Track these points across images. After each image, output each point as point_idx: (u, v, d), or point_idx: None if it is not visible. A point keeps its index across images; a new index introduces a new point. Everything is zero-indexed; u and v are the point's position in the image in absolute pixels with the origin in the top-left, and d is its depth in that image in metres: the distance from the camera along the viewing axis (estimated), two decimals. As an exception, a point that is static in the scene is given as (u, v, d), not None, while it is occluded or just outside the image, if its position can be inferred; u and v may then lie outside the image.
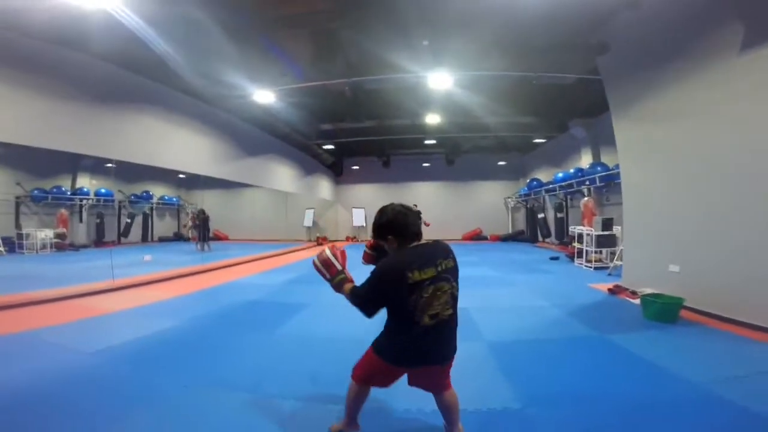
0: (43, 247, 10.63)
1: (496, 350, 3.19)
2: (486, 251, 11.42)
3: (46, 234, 10.80)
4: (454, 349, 1.79)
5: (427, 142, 12.95)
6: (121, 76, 5.90)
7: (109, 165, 12.71)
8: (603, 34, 5.21)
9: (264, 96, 6.95)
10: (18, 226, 10.75)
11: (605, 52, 5.39)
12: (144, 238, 15.07)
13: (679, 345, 3.18)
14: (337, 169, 16.48)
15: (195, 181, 16.83)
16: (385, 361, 1.77)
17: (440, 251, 1.77)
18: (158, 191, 15.69)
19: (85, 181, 12.56)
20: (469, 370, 2.81)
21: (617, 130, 5.49)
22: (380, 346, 1.81)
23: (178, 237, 16.15)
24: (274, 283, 6.66)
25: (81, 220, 12.42)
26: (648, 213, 4.95)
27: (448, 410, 1.92)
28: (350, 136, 11.59)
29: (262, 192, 16.10)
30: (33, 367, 2.82)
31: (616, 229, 7.01)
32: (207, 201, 16.59)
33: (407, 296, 1.64)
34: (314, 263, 1.94)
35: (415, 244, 1.76)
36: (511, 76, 6.55)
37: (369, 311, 1.75)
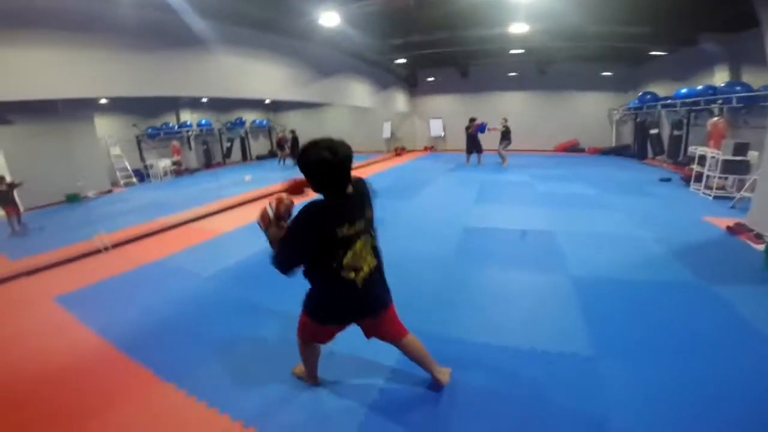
0: (165, 174, 12.58)
1: (580, 287, 3.08)
2: (582, 165, 10.37)
3: (166, 163, 12.68)
4: (384, 300, 1.74)
5: (513, 51, 11.34)
6: (199, 24, 6.04)
7: (204, 100, 13.94)
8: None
9: (329, 18, 6.63)
10: (142, 159, 12.72)
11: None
12: (244, 158, 16.79)
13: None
14: (411, 81, 15.71)
15: (280, 105, 17.73)
16: (315, 321, 1.74)
17: (367, 198, 1.64)
18: (250, 116, 16.92)
19: (186, 116, 14.04)
20: (546, 306, 2.82)
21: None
22: (309, 307, 1.75)
23: (273, 154, 17.55)
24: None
25: (190, 148, 14.19)
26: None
27: (412, 358, 1.87)
28: (421, 49, 10.60)
29: (341, 109, 16.52)
30: (168, 292, 3.48)
31: (752, 155, 5.63)
32: (292, 121, 17.63)
33: (334, 252, 1.52)
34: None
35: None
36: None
37: (287, 266, 1.53)
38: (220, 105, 15.26)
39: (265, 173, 11.58)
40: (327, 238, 1.48)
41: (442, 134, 15.71)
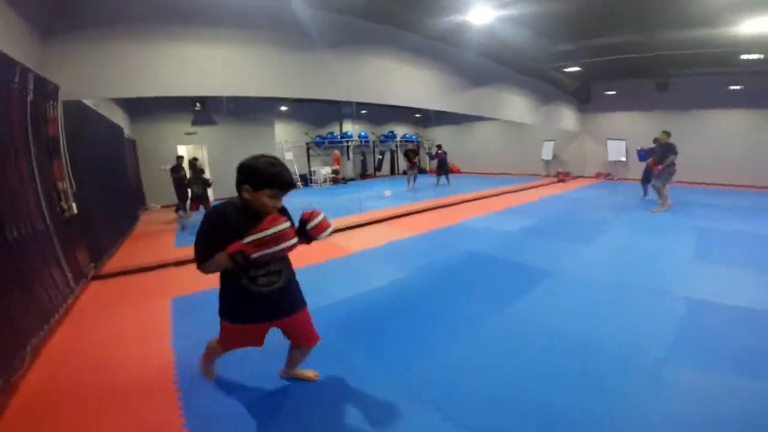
0: (324, 181, 13.85)
1: None
2: None
3: (326, 171, 13.99)
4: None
5: (743, 57, 8.27)
6: (352, 23, 6.16)
7: (363, 111, 14.94)
8: None
9: (481, 15, 5.71)
10: (309, 165, 14.29)
11: None
12: (392, 172, 17.39)
13: None
14: (582, 96, 13.33)
15: (429, 119, 17.82)
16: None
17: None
18: (401, 130, 17.43)
19: (348, 127, 15.27)
20: None
21: None
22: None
23: (421, 171, 17.73)
24: (508, 230, 5.96)
25: (348, 158, 15.39)
26: None
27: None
28: (601, 55, 8.68)
29: (493, 124, 15.53)
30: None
31: None
32: (440, 136, 17.43)
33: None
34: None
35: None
36: None
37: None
38: (375, 117, 16.21)
39: (404, 189, 11.48)
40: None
41: (624, 159, 12.90)
